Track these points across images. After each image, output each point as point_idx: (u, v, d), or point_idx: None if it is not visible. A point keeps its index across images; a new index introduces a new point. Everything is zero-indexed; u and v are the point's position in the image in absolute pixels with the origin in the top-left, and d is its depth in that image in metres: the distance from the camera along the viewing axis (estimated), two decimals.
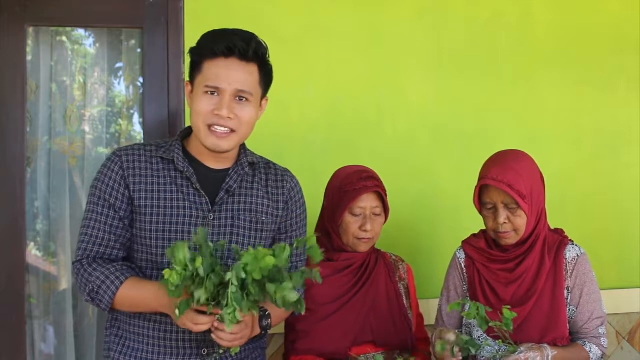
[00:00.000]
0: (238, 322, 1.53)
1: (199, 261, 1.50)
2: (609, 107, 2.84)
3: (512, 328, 1.80)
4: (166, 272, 1.51)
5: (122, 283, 1.69)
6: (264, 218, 1.83)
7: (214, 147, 1.74)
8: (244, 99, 1.73)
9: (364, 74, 2.62)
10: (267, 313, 1.75)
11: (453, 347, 1.82)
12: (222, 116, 1.70)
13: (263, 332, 1.77)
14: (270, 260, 1.50)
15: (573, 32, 2.81)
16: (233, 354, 1.68)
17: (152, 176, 1.76)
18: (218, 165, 1.82)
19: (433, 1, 2.69)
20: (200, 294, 1.51)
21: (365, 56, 2.63)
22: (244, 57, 1.71)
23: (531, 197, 1.94)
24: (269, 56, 1.79)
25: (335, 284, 2.04)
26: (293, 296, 1.51)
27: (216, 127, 1.71)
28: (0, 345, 2.37)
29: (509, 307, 1.83)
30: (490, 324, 1.81)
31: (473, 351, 1.84)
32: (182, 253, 1.51)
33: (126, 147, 1.82)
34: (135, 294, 1.69)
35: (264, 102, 1.82)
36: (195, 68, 1.76)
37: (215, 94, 1.71)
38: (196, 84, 1.74)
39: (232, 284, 1.49)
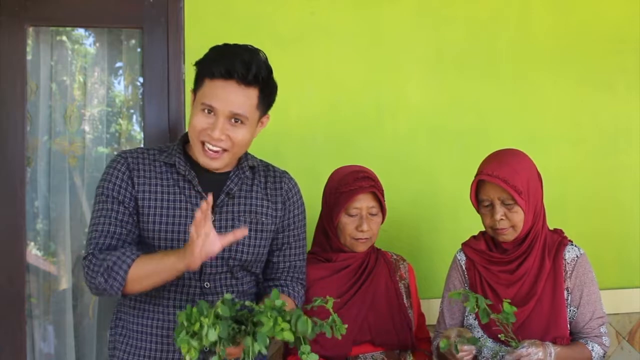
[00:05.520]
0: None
1: (215, 334, 1.51)
2: (609, 107, 2.84)
3: (512, 321, 1.79)
4: (183, 348, 1.52)
5: (137, 256, 1.68)
6: (263, 219, 1.86)
7: (205, 166, 1.78)
8: (239, 121, 1.74)
9: (364, 74, 2.62)
10: None
11: (456, 344, 1.82)
12: (214, 137, 1.72)
13: None
14: (288, 336, 1.56)
15: (573, 32, 2.80)
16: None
17: (155, 178, 1.80)
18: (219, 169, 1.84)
19: (433, 1, 2.69)
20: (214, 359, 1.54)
21: (365, 56, 2.62)
22: (243, 81, 1.72)
23: (528, 193, 1.93)
24: (272, 76, 1.79)
25: (333, 285, 2.04)
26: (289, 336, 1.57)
27: (208, 145, 1.74)
28: (0, 345, 2.37)
29: (509, 300, 1.82)
30: (492, 316, 1.80)
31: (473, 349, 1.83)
32: (197, 324, 1.52)
33: (130, 150, 1.86)
34: (151, 261, 1.67)
35: (265, 118, 1.84)
36: (197, 82, 1.78)
37: (211, 112, 1.73)
38: (197, 97, 1.77)
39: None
